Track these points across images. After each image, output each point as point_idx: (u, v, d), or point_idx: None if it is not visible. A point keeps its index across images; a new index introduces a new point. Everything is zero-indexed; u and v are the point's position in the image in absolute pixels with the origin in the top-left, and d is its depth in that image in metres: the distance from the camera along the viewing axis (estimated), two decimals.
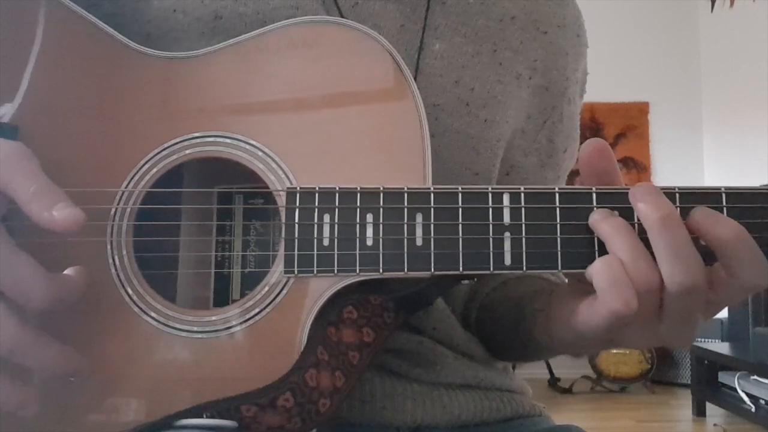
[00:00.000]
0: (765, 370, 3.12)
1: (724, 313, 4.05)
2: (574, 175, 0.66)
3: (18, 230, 0.46)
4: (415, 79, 0.60)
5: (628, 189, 0.47)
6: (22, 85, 0.52)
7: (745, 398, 3.23)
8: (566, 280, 0.57)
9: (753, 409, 3.16)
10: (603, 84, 4.07)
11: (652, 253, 0.45)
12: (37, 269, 0.44)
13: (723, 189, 0.48)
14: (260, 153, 0.51)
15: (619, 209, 0.47)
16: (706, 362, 3.62)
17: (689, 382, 3.87)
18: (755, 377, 3.24)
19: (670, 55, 4.96)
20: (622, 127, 4.94)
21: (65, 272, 0.47)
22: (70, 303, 0.46)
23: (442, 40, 0.64)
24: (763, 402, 3.16)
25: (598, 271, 0.45)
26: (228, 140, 0.52)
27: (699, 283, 0.44)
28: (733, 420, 3.43)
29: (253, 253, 0.57)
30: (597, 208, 0.48)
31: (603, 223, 0.46)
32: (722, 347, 3.69)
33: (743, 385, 3.28)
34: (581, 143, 0.51)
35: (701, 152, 4.96)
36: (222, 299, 0.56)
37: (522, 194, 0.48)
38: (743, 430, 3.37)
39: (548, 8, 0.70)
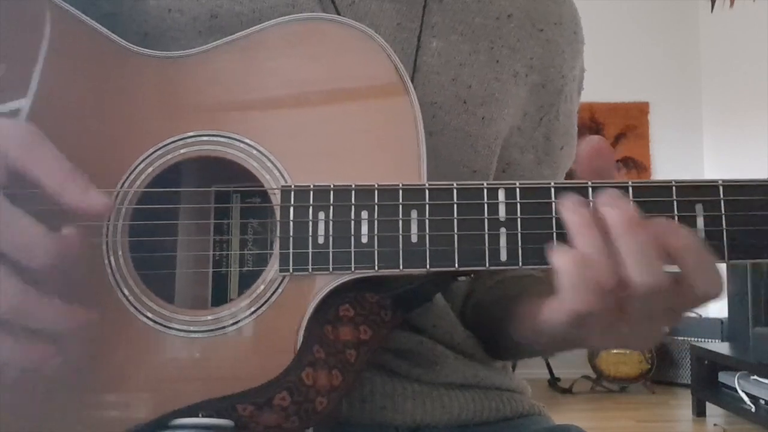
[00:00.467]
0: (765, 370, 3.12)
1: (724, 313, 4.04)
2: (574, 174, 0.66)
3: None
4: (412, 77, 0.60)
5: (626, 183, 0.47)
6: (18, 86, 0.52)
7: (745, 398, 3.24)
8: None
9: (753, 409, 3.16)
10: (603, 84, 4.08)
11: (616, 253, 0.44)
12: (36, 226, 0.43)
13: (720, 182, 0.48)
14: (255, 152, 0.51)
15: None
16: (706, 362, 3.63)
17: (689, 382, 3.88)
18: (755, 377, 3.24)
19: (670, 55, 4.96)
20: (622, 127, 4.94)
21: (63, 231, 0.45)
22: (70, 263, 0.45)
23: (439, 38, 0.64)
24: (763, 402, 3.16)
25: (560, 267, 0.45)
26: (223, 139, 0.52)
27: (662, 283, 0.44)
28: (733, 420, 3.43)
29: (251, 252, 0.56)
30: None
31: (573, 213, 0.45)
32: (722, 347, 3.70)
33: (743, 385, 3.28)
34: None
35: (701, 152, 4.96)
36: (220, 298, 0.55)
37: (517, 189, 0.48)
38: (743, 430, 3.37)
39: (545, 6, 0.70)
